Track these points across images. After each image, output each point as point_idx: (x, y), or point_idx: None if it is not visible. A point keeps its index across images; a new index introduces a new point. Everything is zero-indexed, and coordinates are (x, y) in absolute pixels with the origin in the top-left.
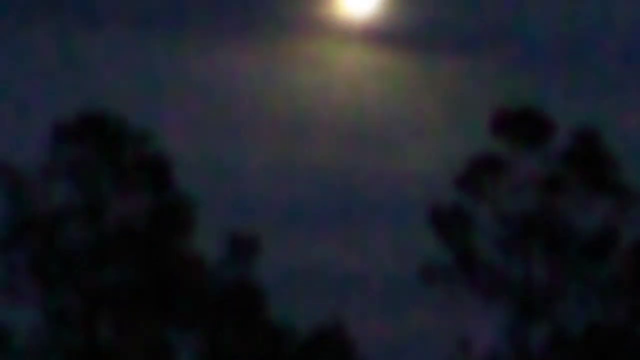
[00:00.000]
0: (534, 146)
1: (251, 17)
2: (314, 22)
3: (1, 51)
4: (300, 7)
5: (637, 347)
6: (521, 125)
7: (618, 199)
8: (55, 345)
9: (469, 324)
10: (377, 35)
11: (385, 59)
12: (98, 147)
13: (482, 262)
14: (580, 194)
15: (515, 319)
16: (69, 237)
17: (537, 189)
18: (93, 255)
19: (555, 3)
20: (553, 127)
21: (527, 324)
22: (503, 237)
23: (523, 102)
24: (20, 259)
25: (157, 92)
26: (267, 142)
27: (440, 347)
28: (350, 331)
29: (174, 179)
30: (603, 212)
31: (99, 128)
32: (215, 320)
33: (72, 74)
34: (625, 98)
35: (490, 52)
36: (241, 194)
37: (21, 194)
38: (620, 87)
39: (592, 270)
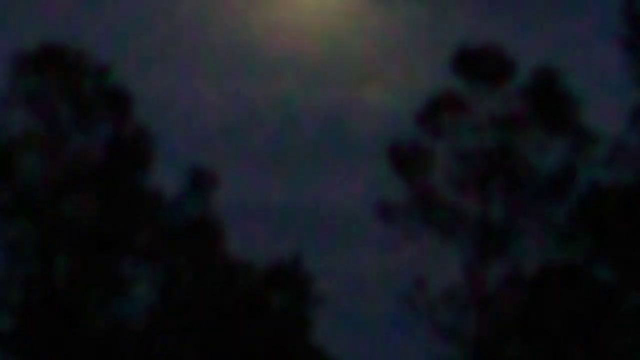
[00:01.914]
0: (493, 84)
1: None
2: None
3: None
4: None
5: (591, 287)
6: (481, 63)
7: (577, 139)
8: (11, 277)
9: (425, 261)
10: None
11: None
12: (58, 78)
13: (440, 200)
14: (539, 133)
15: (472, 257)
16: (27, 168)
17: (496, 128)
18: (51, 186)
19: None
20: (513, 66)
21: (484, 262)
22: (461, 175)
23: (483, 40)
24: None
25: (121, 25)
26: (229, 77)
27: (396, 285)
28: (307, 267)
29: (133, 112)
30: (561, 152)
31: (59, 59)
32: (172, 254)
33: (33, 5)
34: (586, 37)
35: None
36: (202, 129)
37: None
38: (581, 27)
39: (550, 210)
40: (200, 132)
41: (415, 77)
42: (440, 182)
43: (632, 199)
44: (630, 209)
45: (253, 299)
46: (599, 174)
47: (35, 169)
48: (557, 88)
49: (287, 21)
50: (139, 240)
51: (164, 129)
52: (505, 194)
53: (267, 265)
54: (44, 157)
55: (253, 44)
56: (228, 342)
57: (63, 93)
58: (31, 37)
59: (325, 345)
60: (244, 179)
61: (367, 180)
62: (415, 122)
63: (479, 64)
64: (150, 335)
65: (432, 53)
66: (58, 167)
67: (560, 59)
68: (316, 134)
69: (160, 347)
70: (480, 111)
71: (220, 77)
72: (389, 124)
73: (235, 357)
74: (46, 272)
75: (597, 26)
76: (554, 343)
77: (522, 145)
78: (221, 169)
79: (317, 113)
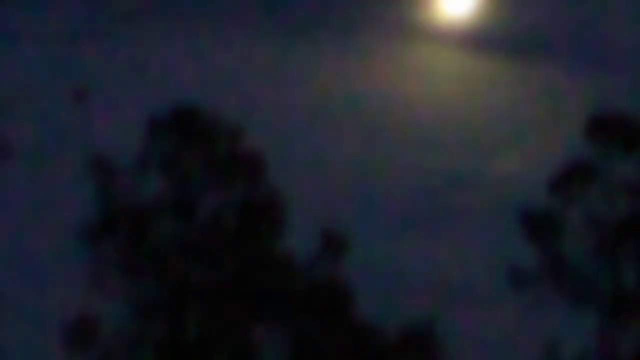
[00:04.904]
0: (627, 152)
1: (350, 20)
2: (411, 26)
3: (99, 47)
4: (399, 11)
5: None
6: (615, 131)
7: None
8: (141, 340)
9: (557, 329)
10: (473, 40)
11: (481, 63)
12: (191, 142)
13: (572, 267)
14: None
15: (604, 325)
16: (160, 231)
17: (629, 195)
18: (182, 250)
19: None
20: None
21: (616, 330)
22: (594, 243)
23: (617, 107)
24: (110, 251)
25: (253, 88)
26: (361, 143)
27: (528, 352)
28: (439, 333)
29: (265, 175)
30: None
31: (192, 122)
32: (302, 319)
33: (167, 70)
34: None
35: (585, 56)
36: (335, 192)
37: (114, 187)
38: None
39: None
40: (332, 195)
41: (549, 145)
42: (572, 249)
43: None
44: None
45: None
46: None
47: (167, 232)
48: None
49: (422, 87)
50: (269, 304)
51: (297, 192)
52: (638, 261)
53: (398, 331)
54: (176, 220)
55: (387, 110)
56: None
57: (196, 156)
58: (165, 101)
59: None
60: (375, 243)
61: (501, 247)
62: (549, 189)
63: (612, 131)
64: None
65: (566, 119)
66: (190, 231)
67: None
68: (450, 201)
69: None
70: (613, 178)
71: (349, 140)
72: (522, 191)
73: None
74: (176, 335)
75: None
76: None
77: None
78: (354, 232)
79: (452, 179)
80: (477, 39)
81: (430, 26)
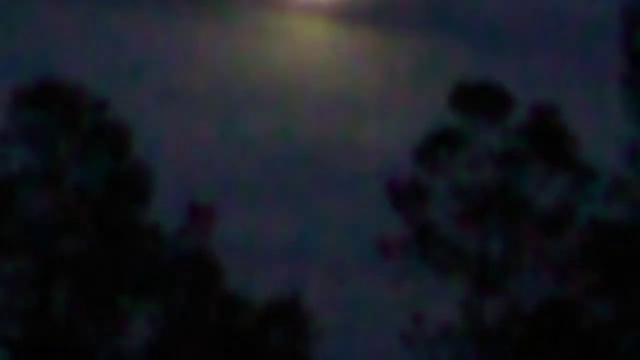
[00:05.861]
0: (491, 120)
1: None
2: None
3: None
4: None
5: (590, 323)
6: (479, 99)
7: (575, 175)
8: (9, 311)
9: (423, 297)
10: (340, 12)
11: (347, 35)
12: (56, 114)
13: (438, 236)
14: (537, 169)
15: (470, 293)
16: (26, 202)
17: (495, 164)
18: (49, 220)
19: None
20: (511, 102)
21: (482, 298)
22: (459, 211)
23: (481, 77)
24: None
25: (118, 62)
26: (226, 113)
27: (394, 321)
28: (305, 303)
29: (131, 147)
30: (560, 188)
31: (57, 95)
32: (169, 288)
33: (32, 42)
34: (582, 74)
35: (449, 28)
36: (199, 165)
37: None
38: (577, 63)
39: (549, 246)
40: (197, 167)
41: (413, 113)
42: (438, 218)
43: (631, 234)
44: (629, 245)
45: (251, 335)
46: (598, 210)
47: (33, 204)
48: (555, 124)
49: (287, 57)
50: (136, 275)
51: (162, 164)
52: (503, 230)
53: (265, 301)
54: (42, 192)
55: (251, 81)
56: None
57: (61, 128)
58: (30, 72)
59: None
60: (241, 214)
61: (366, 216)
62: (414, 158)
63: (477, 99)
64: None
65: (430, 89)
66: (56, 202)
67: (557, 95)
68: (316, 170)
69: None
70: (478, 147)
71: (214, 112)
72: (387, 160)
73: None
74: (44, 307)
75: (594, 63)
76: None
77: (520, 181)
78: (219, 204)
79: (318, 148)
80: (343, 9)
81: None
